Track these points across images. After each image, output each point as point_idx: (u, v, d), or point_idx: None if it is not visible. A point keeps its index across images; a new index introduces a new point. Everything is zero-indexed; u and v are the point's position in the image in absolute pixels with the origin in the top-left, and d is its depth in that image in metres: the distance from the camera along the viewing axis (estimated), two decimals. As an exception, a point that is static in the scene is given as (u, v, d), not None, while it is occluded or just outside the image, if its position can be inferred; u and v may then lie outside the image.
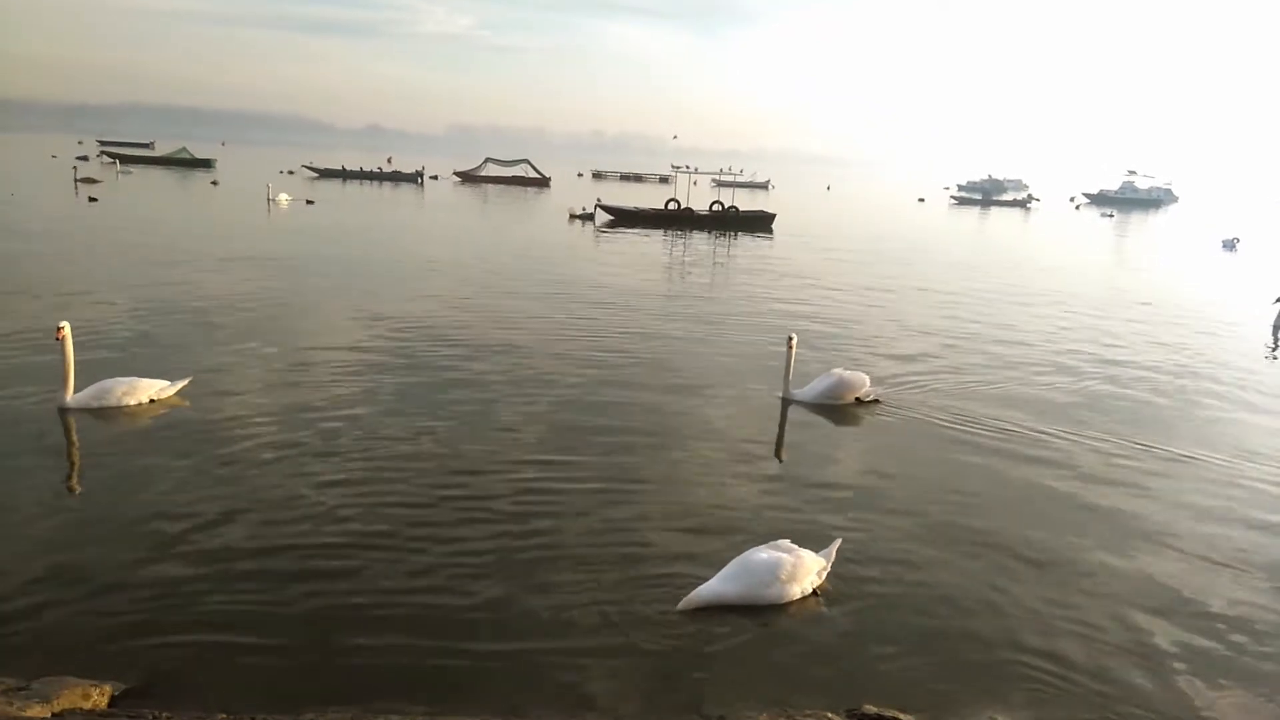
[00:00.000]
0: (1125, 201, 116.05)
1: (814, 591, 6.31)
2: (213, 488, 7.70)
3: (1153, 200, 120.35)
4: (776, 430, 10.45)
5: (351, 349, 12.92)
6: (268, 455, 8.50)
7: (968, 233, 53.05)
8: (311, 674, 5.16)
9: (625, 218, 42.42)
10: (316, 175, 75.73)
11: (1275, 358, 16.42)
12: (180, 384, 10.11)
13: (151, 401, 9.72)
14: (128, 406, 9.57)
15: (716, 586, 6.10)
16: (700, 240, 35.44)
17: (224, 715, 4.28)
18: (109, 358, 11.52)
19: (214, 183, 53.23)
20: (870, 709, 4.74)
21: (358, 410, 10.03)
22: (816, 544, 6.60)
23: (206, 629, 5.56)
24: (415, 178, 76.41)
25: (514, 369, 12.29)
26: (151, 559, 6.38)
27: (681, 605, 5.94)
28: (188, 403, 9.93)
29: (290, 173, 76.97)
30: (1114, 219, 76.19)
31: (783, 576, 6.14)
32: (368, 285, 19.03)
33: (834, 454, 9.69)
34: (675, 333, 15.63)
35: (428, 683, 5.13)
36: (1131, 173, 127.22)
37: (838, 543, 6.66)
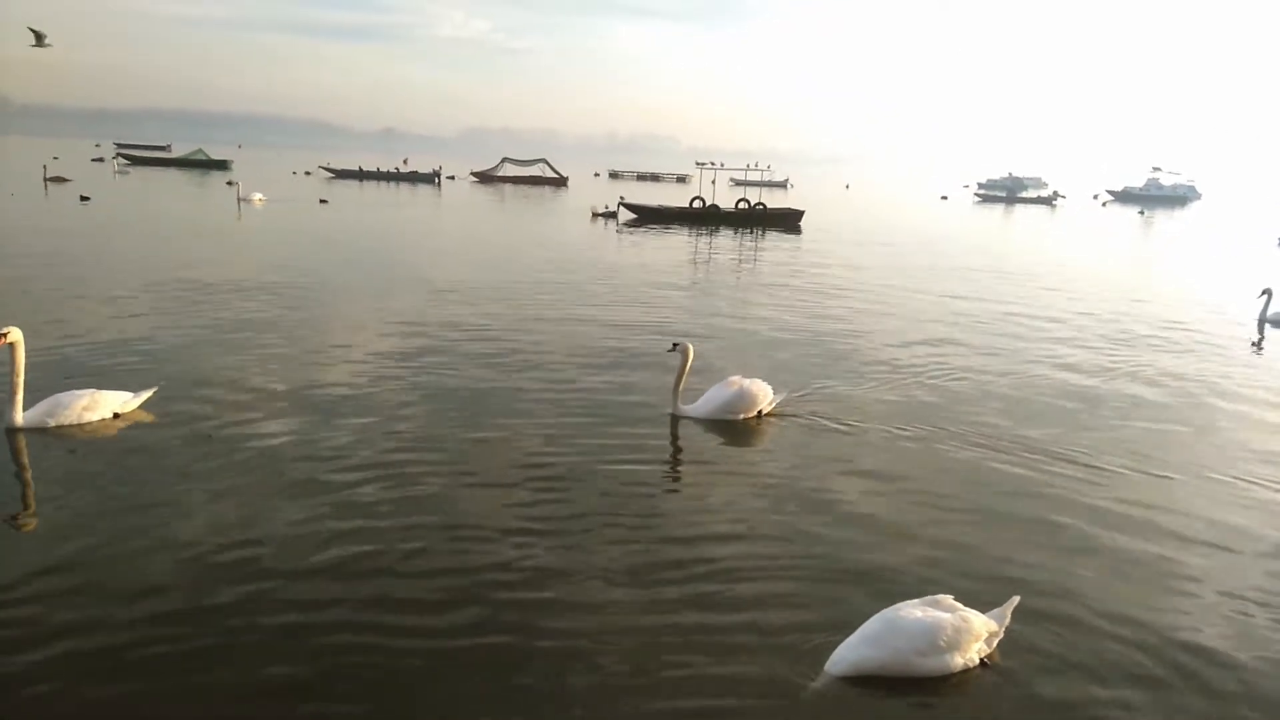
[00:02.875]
0: (1150, 198, 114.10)
1: (982, 661, 5.05)
2: (192, 519, 6.49)
3: (1178, 197, 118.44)
4: (669, 450, 8.81)
5: (343, 359, 11.42)
6: (246, 478, 7.31)
7: (1002, 231, 51.58)
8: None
9: (649, 215, 41.36)
10: (333, 176, 75.07)
11: (1260, 352, 15.23)
12: (145, 395, 8.83)
13: (116, 416, 8.50)
14: (88, 423, 8.32)
15: (855, 650, 4.87)
16: (727, 239, 34.27)
17: None
18: (61, 367, 10.14)
19: (230, 183, 52.51)
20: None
21: (346, 425, 8.76)
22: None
23: (186, 698, 4.47)
24: (432, 178, 75.60)
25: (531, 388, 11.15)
26: (113, 617, 5.16)
27: (819, 681, 4.77)
28: (153, 416, 8.69)
29: (307, 173, 76.40)
30: (1145, 216, 74.52)
31: (942, 643, 4.86)
32: (363, 290, 17.77)
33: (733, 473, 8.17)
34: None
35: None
36: (1156, 169, 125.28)
37: (1013, 601, 5.30)
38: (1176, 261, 35.52)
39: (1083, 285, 23.29)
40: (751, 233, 36.98)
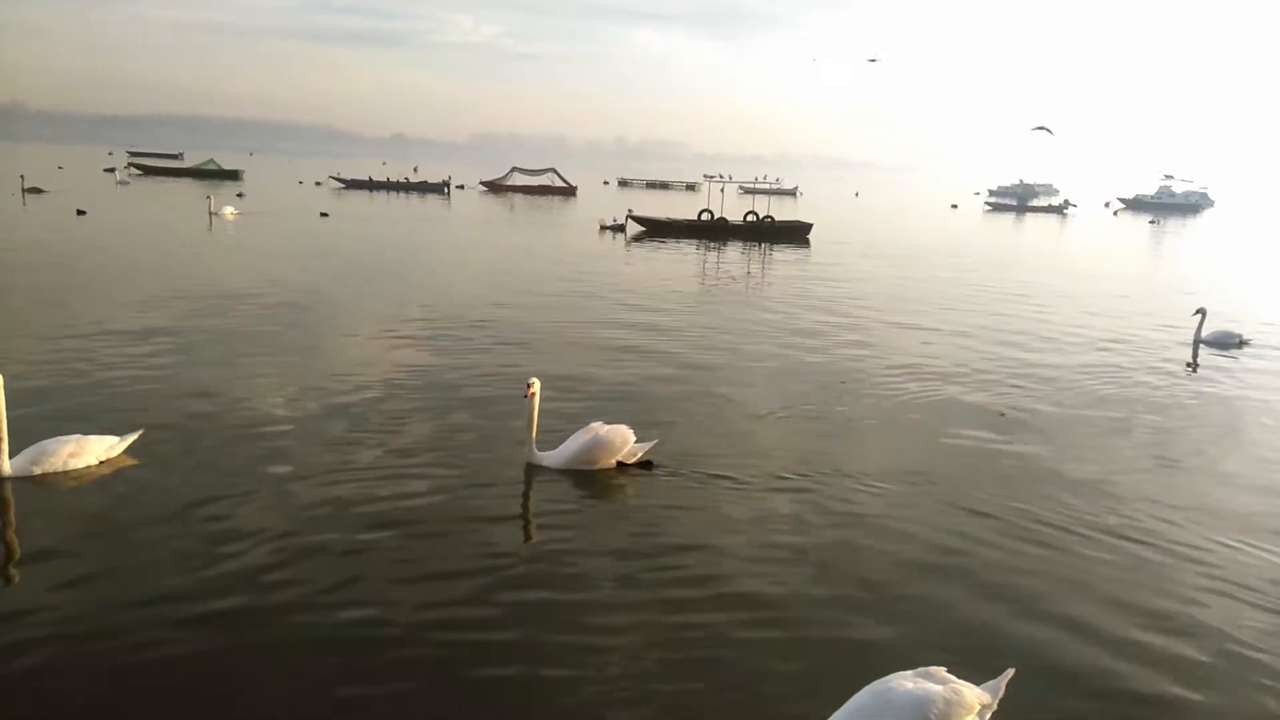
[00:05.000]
0: (1162, 206, 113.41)
1: None
2: (195, 571, 6.50)
3: (1190, 205, 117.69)
4: (520, 504, 8.34)
5: (325, 397, 11.05)
6: (232, 522, 7.31)
7: (1014, 242, 51.37)
8: None
9: (658, 229, 41.32)
10: (343, 186, 75.33)
11: (1193, 375, 14.99)
12: (130, 439, 8.67)
13: (101, 463, 8.38)
14: (75, 470, 8.20)
15: None
16: (735, 252, 34.22)
17: None
18: (36, 412, 9.73)
19: (240, 195, 52.73)
20: None
21: (341, 467, 8.68)
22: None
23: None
24: (442, 188, 75.78)
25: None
26: (100, 668, 5.21)
27: None
28: (139, 461, 8.56)
29: (318, 184, 76.69)
30: (1156, 224, 74.09)
31: (933, 717, 4.81)
32: (345, 319, 17.81)
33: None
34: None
35: None
36: (1168, 177, 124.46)
37: (1008, 674, 5.18)
38: (1168, 275, 35.08)
39: (1058, 306, 23.12)
40: (759, 246, 36.91)
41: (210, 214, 37.76)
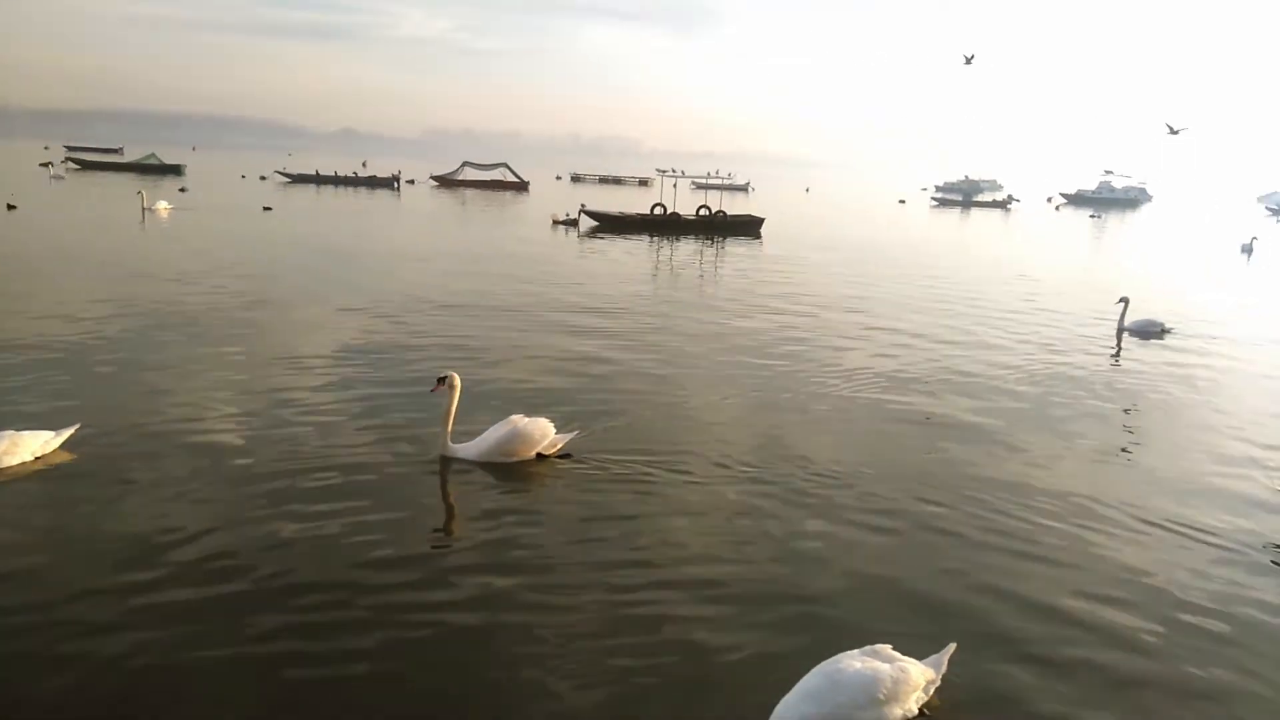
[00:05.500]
0: (1103, 201, 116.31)
1: (920, 711, 5.09)
2: (133, 566, 6.38)
3: (1130, 200, 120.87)
4: (439, 498, 8.28)
5: (256, 391, 10.95)
6: (172, 514, 7.23)
7: (958, 236, 52.27)
8: None
9: (610, 224, 41.30)
10: (289, 180, 74.07)
11: (1117, 363, 15.45)
12: (66, 433, 8.46)
13: (36, 459, 8.15)
14: (8, 467, 7.95)
15: (795, 708, 4.84)
16: (688, 247, 34.36)
17: None
18: None
19: (182, 189, 51.55)
20: None
21: (272, 460, 8.59)
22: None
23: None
24: (391, 183, 74.86)
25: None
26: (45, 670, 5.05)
27: None
28: (75, 456, 8.37)
29: (263, 178, 75.30)
30: (1100, 219, 75.96)
31: (881, 695, 4.87)
32: (281, 309, 17.56)
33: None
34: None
35: None
36: (1108, 172, 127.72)
37: (950, 649, 5.36)
38: (1103, 267, 35.89)
39: (988, 291, 23.62)
40: (711, 240, 37.11)
41: (143, 209, 36.49)
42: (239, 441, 9.10)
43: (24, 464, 8.07)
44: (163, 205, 37.89)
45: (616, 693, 5.25)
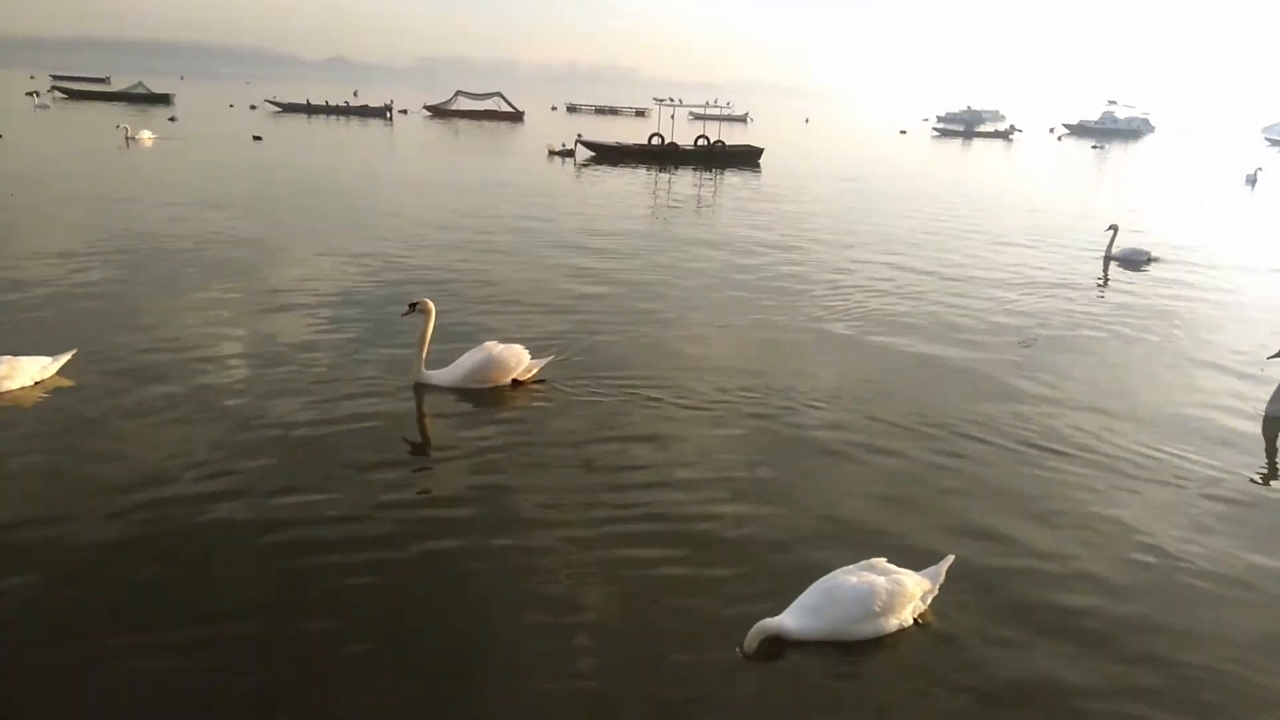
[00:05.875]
0: (1106, 132, 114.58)
1: (915, 620, 5.24)
2: (133, 488, 6.53)
3: (1132, 130, 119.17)
4: (416, 426, 8.25)
5: (247, 317, 11.10)
6: (175, 435, 7.39)
7: (960, 167, 51.66)
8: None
9: (608, 154, 40.73)
10: (280, 110, 72.66)
11: (1102, 293, 15.44)
12: (63, 359, 8.55)
13: (35, 384, 8.25)
14: (8, 392, 8.05)
15: (793, 621, 4.96)
16: (686, 177, 33.95)
17: None
18: None
19: (172, 119, 50.62)
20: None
21: (264, 385, 8.74)
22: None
23: (139, 710, 4.44)
24: (384, 112, 73.46)
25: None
26: (50, 623, 5.07)
27: (747, 645, 4.83)
28: (73, 381, 8.46)
29: (253, 108, 73.92)
30: (1102, 150, 75.02)
31: (877, 607, 5.01)
32: (287, 235, 17.44)
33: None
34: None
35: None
36: (1111, 102, 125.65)
37: (948, 560, 5.49)
38: (1101, 196, 35.49)
39: (984, 222, 23.47)
40: (710, 171, 36.66)
41: (126, 139, 35.67)
42: (226, 366, 9.27)
43: (24, 388, 8.17)
44: (146, 135, 37.01)
45: (606, 602, 5.37)
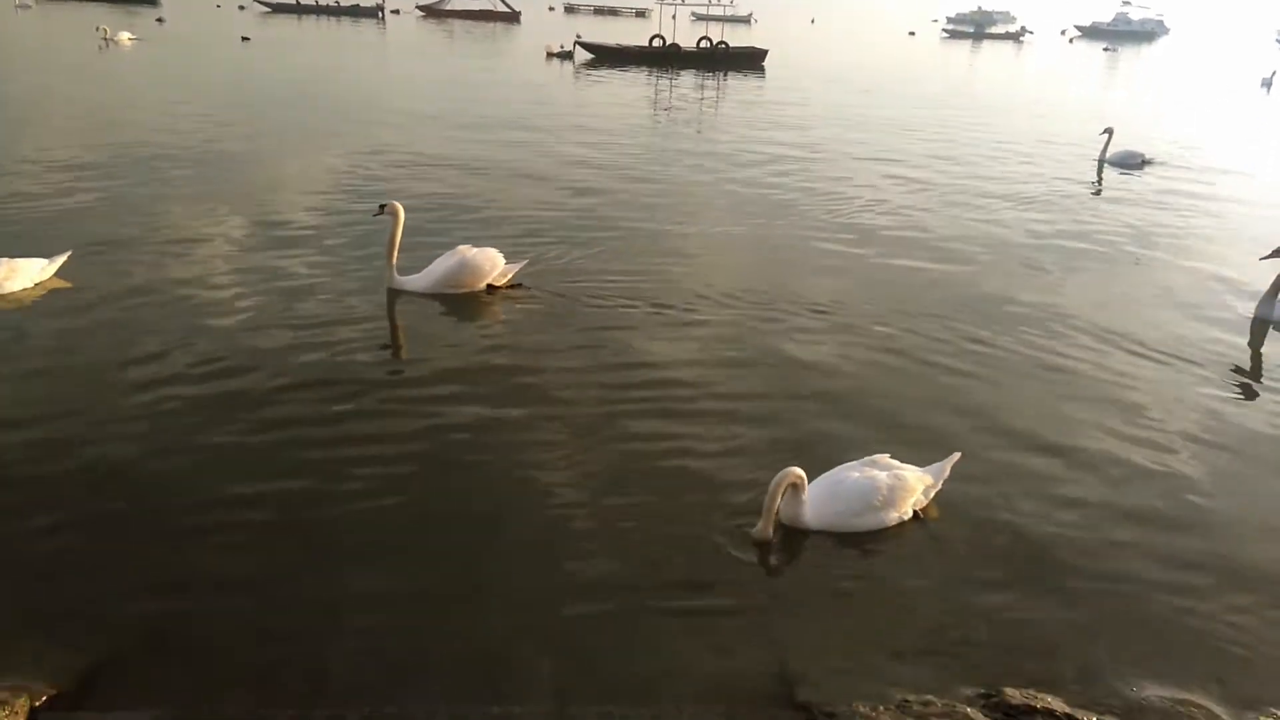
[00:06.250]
0: (1118, 34, 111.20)
1: (915, 514, 5.29)
2: (140, 375, 6.65)
3: (1146, 33, 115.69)
4: (388, 332, 8.05)
5: (237, 217, 10.99)
6: (179, 332, 7.45)
7: (968, 70, 50.29)
8: (300, 668, 4.04)
9: (607, 56, 39.57)
10: (270, 10, 70.24)
11: (1095, 199, 15.17)
12: (60, 260, 8.44)
13: (36, 285, 8.21)
14: (11, 294, 7.99)
15: (796, 512, 5.05)
16: (688, 80, 32.99)
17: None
18: None
19: (160, 20, 48.93)
20: (1013, 694, 3.72)
21: (251, 281, 8.78)
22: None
23: (152, 599, 4.42)
24: (375, 12, 71.03)
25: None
26: (69, 512, 5.06)
27: (757, 533, 4.93)
28: (71, 283, 8.39)
29: (241, 7, 71.49)
30: (1114, 53, 72.98)
31: (877, 502, 5.10)
32: (277, 136, 16.97)
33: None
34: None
35: (427, 667, 4.07)
36: (1126, 3, 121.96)
37: (954, 457, 5.49)
38: (1112, 100, 34.55)
39: (980, 129, 22.91)
40: (712, 74, 35.62)
41: (104, 40, 34.31)
42: (214, 266, 9.27)
43: (26, 290, 8.17)
44: (125, 36, 35.60)
45: (605, 491, 5.40)
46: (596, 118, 21.57)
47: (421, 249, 9.41)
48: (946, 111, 25.89)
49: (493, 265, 8.71)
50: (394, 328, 8.15)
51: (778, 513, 4.97)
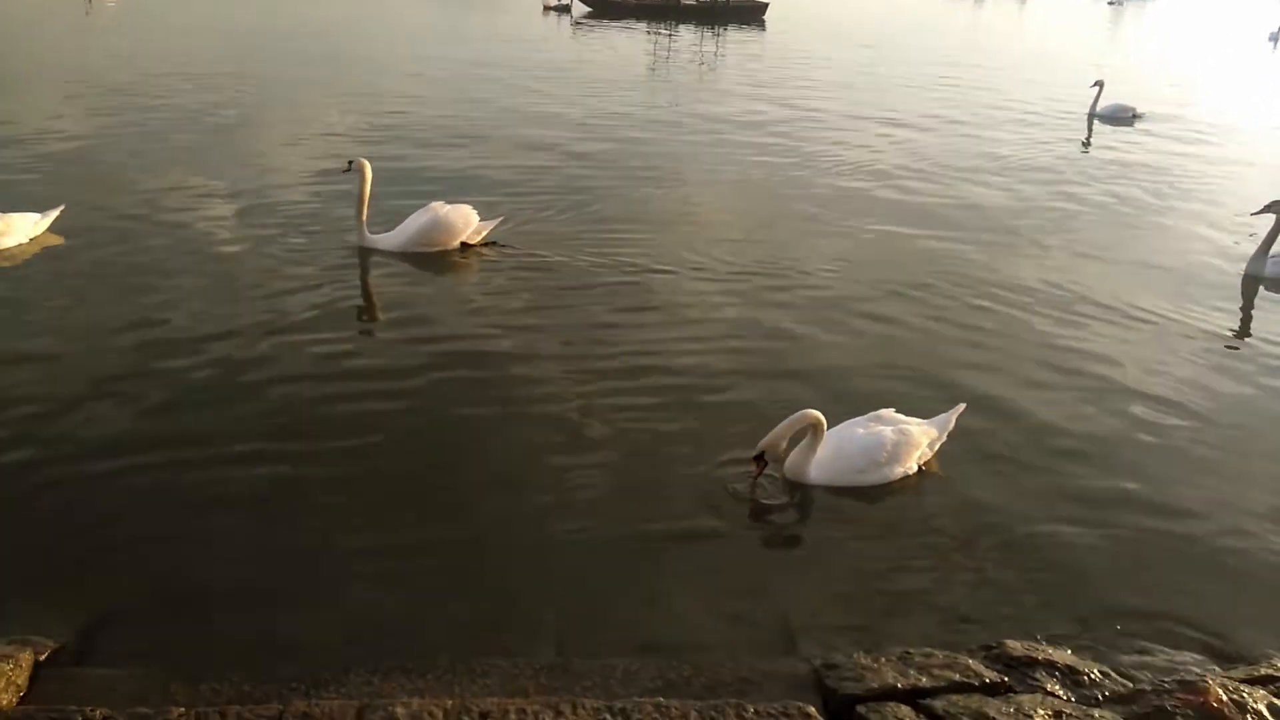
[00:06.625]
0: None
1: (920, 467, 5.28)
2: (148, 328, 6.68)
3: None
4: (359, 291, 7.90)
5: (228, 178, 10.78)
6: (184, 282, 7.54)
7: (969, 26, 49.60)
8: (302, 624, 4.03)
9: (605, 10, 38.93)
10: (259, -36, 69.11)
11: (1086, 150, 15.14)
12: (53, 214, 8.34)
13: (31, 240, 8.18)
14: (7, 250, 7.92)
15: (802, 465, 5.06)
16: (687, 35, 32.45)
17: (182, 710, 3.17)
18: None
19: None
20: (1014, 646, 3.73)
21: (242, 242, 8.71)
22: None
23: (154, 555, 4.43)
24: (368, -35, 69.88)
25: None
26: (68, 469, 5.03)
27: (763, 443, 4.93)
28: (65, 239, 8.34)
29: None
30: (1119, 7, 71.95)
31: (881, 458, 5.10)
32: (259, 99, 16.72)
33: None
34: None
35: (431, 625, 4.08)
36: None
37: (958, 409, 5.47)
38: (1104, 55, 33.84)
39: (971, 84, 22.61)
40: (712, 28, 35.06)
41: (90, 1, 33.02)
42: (204, 219, 9.26)
43: (21, 245, 8.10)
44: None
45: (600, 445, 5.43)
46: (591, 73, 21.27)
47: (401, 206, 9.16)
48: (949, 69, 25.44)
49: (466, 223, 8.55)
50: (365, 289, 8.04)
51: (783, 459, 4.98)
